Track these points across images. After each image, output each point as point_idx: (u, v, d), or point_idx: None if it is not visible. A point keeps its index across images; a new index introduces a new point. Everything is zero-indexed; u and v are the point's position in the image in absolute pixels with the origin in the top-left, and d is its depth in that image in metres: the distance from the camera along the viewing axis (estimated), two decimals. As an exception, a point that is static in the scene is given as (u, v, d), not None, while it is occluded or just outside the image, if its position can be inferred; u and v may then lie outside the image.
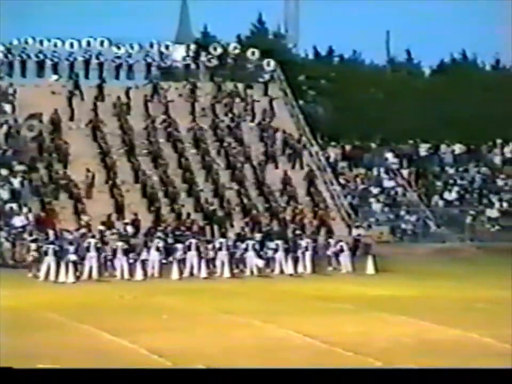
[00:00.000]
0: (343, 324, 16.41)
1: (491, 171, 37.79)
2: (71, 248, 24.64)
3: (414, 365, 12.45)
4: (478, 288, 21.90)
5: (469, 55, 46.24)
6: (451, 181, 36.80)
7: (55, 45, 35.40)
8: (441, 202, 35.66)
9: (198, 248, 25.38)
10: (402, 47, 46.84)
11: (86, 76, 35.42)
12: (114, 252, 24.95)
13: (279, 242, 26.13)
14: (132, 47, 35.83)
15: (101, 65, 35.42)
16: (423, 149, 38.19)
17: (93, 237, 25.73)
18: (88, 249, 24.58)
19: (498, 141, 38.89)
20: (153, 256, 25.21)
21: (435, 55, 47.55)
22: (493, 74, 45.39)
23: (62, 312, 17.66)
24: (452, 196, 36.09)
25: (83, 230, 27.25)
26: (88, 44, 35.57)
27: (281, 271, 25.74)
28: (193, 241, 25.60)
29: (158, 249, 25.29)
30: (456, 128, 38.85)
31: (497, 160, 38.53)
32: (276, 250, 25.91)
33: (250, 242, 25.87)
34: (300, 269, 25.99)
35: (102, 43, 35.64)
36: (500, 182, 37.30)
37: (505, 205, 35.97)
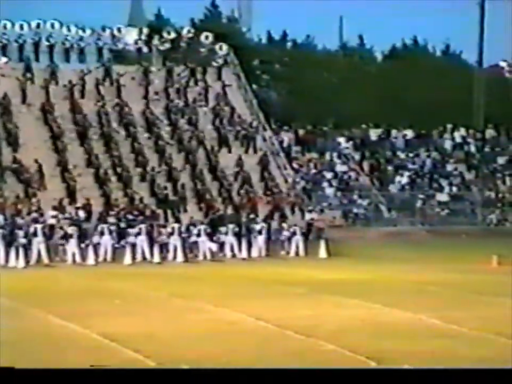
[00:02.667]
0: (296, 308, 16.54)
1: (441, 156, 38.34)
2: (21, 233, 24.36)
3: (364, 347, 12.63)
4: (427, 271, 22.26)
5: (419, 40, 46.79)
6: (402, 165, 37.28)
7: (4, 27, 34.76)
8: (392, 186, 36.10)
9: (148, 233, 25.29)
10: (355, 32, 47.18)
11: (36, 59, 34.88)
12: (65, 237, 24.74)
13: (231, 226, 26.19)
14: (83, 30, 35.39)
15: (51, 48, 34.91)
16: (375, 134, 38.57)
17: (43, 222, 25.47)
18: (35, 234, 24.34)
19: (449, 126, 39.46)
20: (106, 241, 25.05)
21: (387, 41, 47.94)
22: (443, 60, 45.97)
23: (13, 297, 17.45)
24: (403, 180, 36.56)
25: (34, 215, 26.95)
26: (38, 26, 35.01)
27: (235, 256, 25.81)
28: (143, 226, 25.51)
29: (110, 233, 25.13)
30: (408, 113, 39.28)
31: (448, 145, 39.10)
32: (228, 234, 25.96)
33: (202, 227, 25.87)
34: (254, 253, 26.08)
35: (52, 25, 35.11)
36: (449, 167, 37.88)
37: (454, 189, 36.57)
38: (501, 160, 38.52)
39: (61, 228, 25.40)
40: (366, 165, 36.90)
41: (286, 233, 26.97)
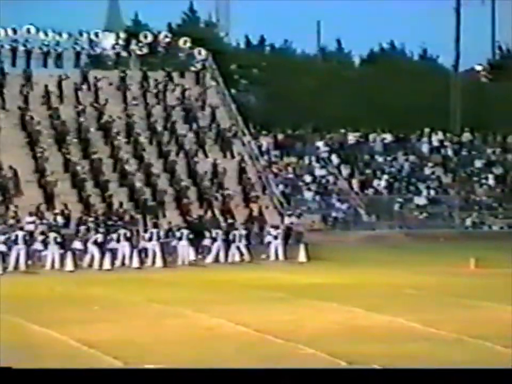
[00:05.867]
0: (275, 312, 16.54)
1: (419, 159, 38.58)
2: (-1, 239, 24.18)
3: (343, 350, 12.67)
4: (406, 274, 22.35)
5: (397, 45, 47.10)
6: (381, 169, 37.46)
7: (-20, 33, 34.57)
8: (371, 190, 36.27)
9: (129, 239, 25.18)
10: (332, 36, 47.39)
11: (13, 64, 34.70)
12: (44, 243, 24.57)
13: (218, 231, 26.14)
14: (60, 35, 35.25)
15: (28, 53, 34.75)
16: (354, 138, 38.73)
17: (21, 228, 25.28)
18: (16, 241, 24.16)
19: (426, 130, 39.72)
20: (89, 247, 24.80)
21: (365, 45, 48.21)
22: (421, 64, 46.30)
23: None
24: (381, 184, 36.73)
25: (11, 221, 26.75)
26: (15, 31, 34.84)
27: (215, 260, 25.75)
28: (123, 231, 25.40)
29: (95, 243, 24.85)
30: (386, 117, 39.50)
31: (425, 148, 39.34)
32: (212, 239, 25.91)
33: (184, 232, 25.80)
34: (232, 258, 26.05)
35: (28, 30, 34.96)
36: (427, 170, 38.11)
37: (432, 192, 36.79)
38: (478, 164, 38.84)
39: (42, 232, 25.19)
40: (344, 169, 37.02)
41: (265, 238, 26.94)
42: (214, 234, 25.95)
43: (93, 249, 24.58)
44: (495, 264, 23.47)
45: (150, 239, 25.43)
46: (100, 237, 24.86)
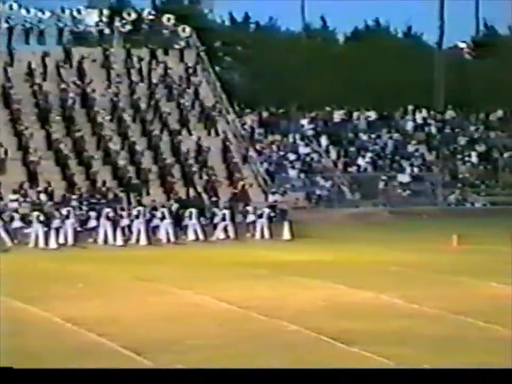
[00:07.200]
0: (259, 289, 16.63)
1: (403, 137, 38.69)
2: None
3: (327, 327, 12.77)
4: (389, 252, 22.50)
5: (382, 22, 46.99)
6: (364, 147, 37.55)
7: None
8: (355, 168, 36.37)
9: (112, 217, 25.15)
10: (317, 14, 47.19)
11: (-5, 41, 34.36)
12: (27, 221, 24.51)
13: (194, 210, 26.15)
14: (42, 12, 34.91)
15: (10, 30, 34.40)
16: (338, 116, 38.74)
17: (5, 206, 25.21)
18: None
19: (410, 107, 39.79)
20: (69, 224, 24.81)
21: (349, 22, 48.04)
22: (405, 41, 46.27)
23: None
24: (365, 161, 36.82)
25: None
26: (-4, 8, 34.48)
27: (198, 238, 25.80)
28: (107, 209, 25.37)
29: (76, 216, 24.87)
30: (370, 95, 39.51)
31: (409, 126, 39.45)
32: (191, 217, 25.94)
33: (166, 210, 25.80)
34: (217, 236, 26.09)
35: (11, 7, 34.59)
36: (410, 148, 38.24)
37: (415, 170, 36.94)
38: (461, 141, 39.01)
39: (25, 212, 25.10)
40: (329, 147, 37.05)
41: (251, 216, 26.97)
42: (188, 213, 25.87)
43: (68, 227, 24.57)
44: (477, 241, 23.67)
45: (135, 217, 25.41)
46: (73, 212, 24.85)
